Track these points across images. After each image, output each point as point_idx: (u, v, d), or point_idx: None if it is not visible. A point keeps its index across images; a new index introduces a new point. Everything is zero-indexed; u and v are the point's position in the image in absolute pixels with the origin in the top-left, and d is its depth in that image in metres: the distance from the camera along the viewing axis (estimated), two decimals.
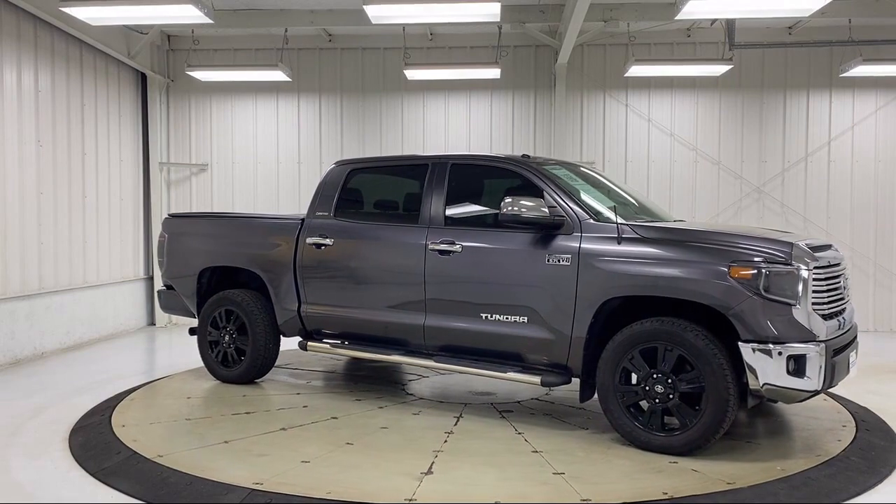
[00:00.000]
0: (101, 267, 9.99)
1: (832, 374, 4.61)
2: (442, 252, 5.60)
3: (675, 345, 4.67)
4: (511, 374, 5.36)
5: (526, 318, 5.24)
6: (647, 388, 4.79)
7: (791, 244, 4.68)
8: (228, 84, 11.13)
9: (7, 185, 8.11)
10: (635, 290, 4.86)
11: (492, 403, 6.14)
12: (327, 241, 6.23)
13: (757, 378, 4.49)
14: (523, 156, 5.86)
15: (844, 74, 10.03)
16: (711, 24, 10.24)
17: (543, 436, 5.19)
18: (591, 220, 5.14)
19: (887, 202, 10.66)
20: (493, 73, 10.13)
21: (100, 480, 4.46)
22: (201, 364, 7.04)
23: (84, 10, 7.58)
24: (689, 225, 5.65)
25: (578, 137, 10.92)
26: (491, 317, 5.40)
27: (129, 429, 5.33)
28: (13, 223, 8.21)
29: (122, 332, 10.39)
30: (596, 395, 5.10)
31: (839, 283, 5.06)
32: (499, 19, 8.12)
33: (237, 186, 11.33)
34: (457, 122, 11.09)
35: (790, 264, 4.56)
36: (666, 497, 4.06)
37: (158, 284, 7.84)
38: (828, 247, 5.12)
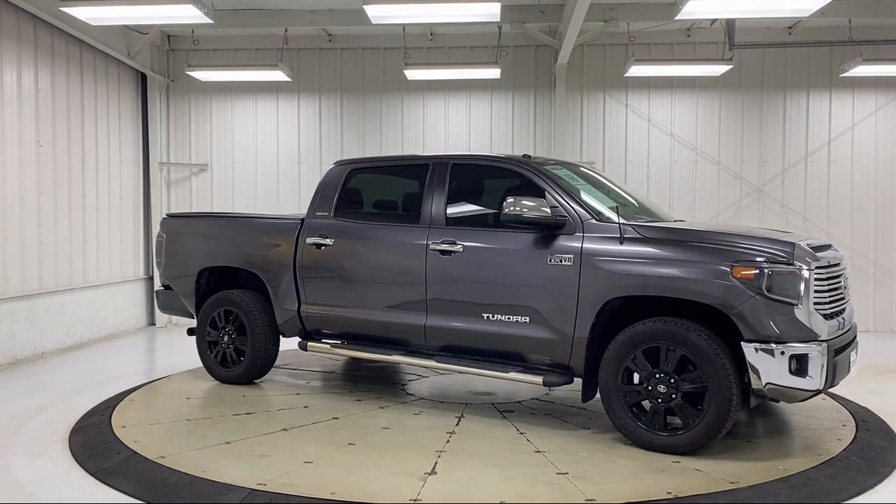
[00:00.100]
0: (101, 267, 9.98)
1: (834, 373, 4.64)
2: (443, 252, 5.60)
3: (677, 345, 4.68)
4: (513, 375, 5.36)
5: (528, 318, 5.24)
6: (650, 387, 4.79)
7: (793, 244, 4.69)
8: (228, 84, 11.12)
9: (7, 185, 8.10)
10: (638, 290, 4.86)
11: (492, 403, 6.13)
12: (327, 242, 6.22)
13: (759, 378, 4.50)
14: (524, 156, 5.86)
15: (844, 74, 10.03)
16: (711, 24, 10.24)
17: (545, 436, 5.19)
18: (593, 220, 5.14)
19: (887, 202, 10.67)
20: (493, 73, 10.13)
21: (100, 480, 4.46)
22: (201, 364, 7.03)
23: (84, 10, 7.57)
24: (691, 225, 5.65)
25: (578, 137, 10.92)
26: (492, 317, 5.39)
27: (129, 430, 5.32)
28: (13, 223, 8.20)
29: (122, 332, 10.39)
30: (598, 395, 5.12)
31: (840, 282, 5.08)
32: (499, 19, 8.11)
33: (237, 186, 11.32)
34: (457, 122, 11.08)
35: (792, 264, 4.57)
36: (670, 496, 4.07)
37: (158, 285, 7.83)
38: (828, 247, 5.13)
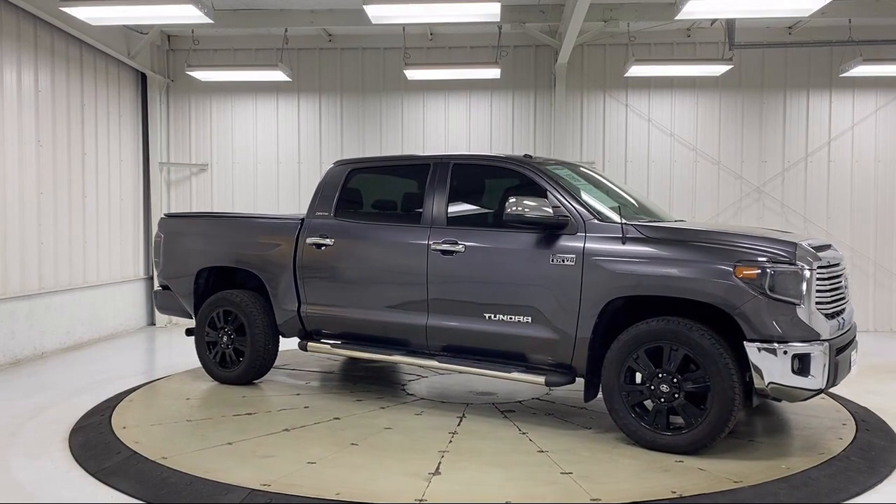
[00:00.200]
0: (101, 267, 9.97)
1: (835, 372, 4.66)
2: (445, 252, 5.60)
3: (680, 344, 4.68)
4: (515, 375, 5.36)
5: (530, 318, 5.24)
6: (653, 387, 4.79)
7: (795, 244, 4.70)
8: (228, 84, 11.11)
9: (7, 185, 8.09)
10: (640, 290, 4.87)
11: (493, 403, 6.13)
12: (328, 241, 6.21)
13: (762, 377, 4.51)
14: (525, 156, 5.86)
15: (844, 74, 10.04)
16: (711, 24, 10.25)
17: (548, 436, 5.19)
18: (595, 221, 5.14)
19: (887, 202, 10.67)
20: (493, 73, 10.13)
21: (100, 480, 4.45)
22: (200, 365, 7.01)
23: (84, 10, 7.56)
24: (692, 225, 5.66)
25: (578, 137, 10.92)
26: (494, 317, 5.39)
27: (130, 430, 5.31)
28: (13, 223, 8.19)
29: (122, 332, 10.37)
30: (599, 395, 5.12)
31: (840, 282, 5.10)
32: (499, 19, 8.11)
33: (237, 186, 11.31)
34: (457, 122, 11.08)
35: (794, 264, 4.58)
36: (675, 496, 4.07)
37: (157, 285, 7.82)
38: (828, 247, 5.15)
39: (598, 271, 4.96)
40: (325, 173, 6.65)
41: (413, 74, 10.25)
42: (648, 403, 4.88)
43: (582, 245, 5.06)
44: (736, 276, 4.56)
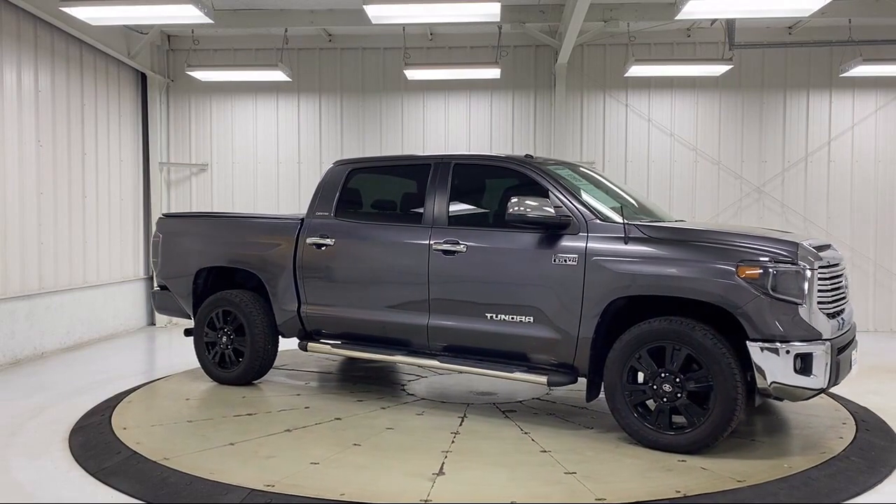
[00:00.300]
0: (101, 267, 9.96)
1: (837, 371, 4.67)
2: (446, 252, 5.59)
3: (683, 344, 4.68)
4: (517, 375, 5.35)
5: (532, 317, 5.23)
6: (655, 387, 4.79)
7: (796, 244, 4.71)
8: (228, 84, 11.10)
9: (7, 185, 8.08)
10: (643, 290, 4.87)
11: (494, 403, 6.13)
12: (328, 241, 6.20)
13: (765, 377, 4.52)
14: (526, 156, 5.86)
15: (844, 74, 10.04)
16: (711, 24, 10.25)
17: (550, 435, 5.18)
18: (597, 221, 5.14)
19: (887, 202, 10.68)
20: (493, 73, 10.13)
21: (100, 480, 4.45)
22: (199, 365, 7.00)
23: (84, 10, 7.55)
24: (693, 225, 5.66)
25: (578, 137, 10.92)
26: (496, 317, 5.39)
27: (131, 431, 5.30)
28: (13, 223, 8.18)
29: (122, 332, 10.36)
30: (600, 395, 5.12)
31: (841, 282, 5.12)
32: (499, 19, 8.11)
33: (237, 186, 11.31)
34: (457, 122, 11.08)
35: (796, 264, 4.59)
36: (680, 495, 4.07)
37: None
38: (827, 246, 5.16)
39: (601, 271, 4.96)
40: (325, 173, 6.64)
41: (413, 74, 10.25)
42: (651, 403, 4.88)
43: (584, 245, 5.06)
44: (738, 276, 4.56)
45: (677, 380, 4.72)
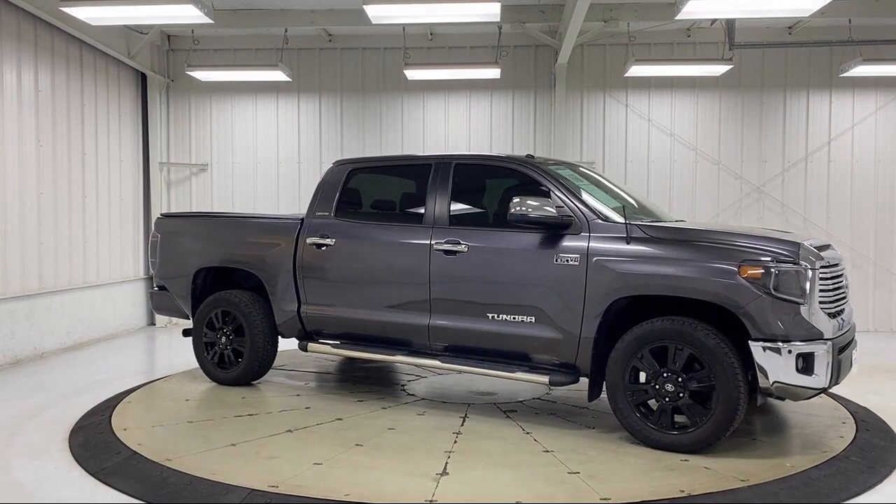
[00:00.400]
0: (101, 267, 9.95)
1: (838, 371, 4.68)
2: (447, 252, 5.59)
3: (685, 344, 4.69)
4: (519, 374, 5.35)
5: (534, 317, 5.23)
6: (657, 386, 4.79)
7: (798, 244, 4.72)
8: (228, 84, 11.09)
9: (7, 185, 8.07)
10: (645, 290, 4.87)
11: (495, 403, 6.12)
12: (328, 241, 6.19)
13: (767, 376, 4.53)
14: (527, 156, 5.86)
15: (844, 74, 10.05)
16: (711, 24, 10.25)
17: (552, 435, 5.18)
18: (599, 220, 5.14)
19: (887, 202, 10.68)
20: (493, 73, 10.13)
21: (100, 480, 4.44)
22: (198, 365, 6.99)
23: (84, 10, 7.55)
24: (695, 225, 5.67)
25: (578, 137, 10.92)
26: (497, 317, 5.38)
27: (131, 432, 5.28)
28: (13, 223, 8.17)
29: (122, 332, 10.35)
30: (602, 395, 5.12)
31: (841, 282, 5.13)
32: (499, 19, 8.10)
33: (237, 186, 11.30)
34: (457, 122, 11.08)
35: (798, 264, 4.59)
36: (683, 494, 4.07)
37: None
38: (827, 246, 5.17)
39: (603, 271, 4.96)
40: (325, 173, 6.63)
41: (413, 74, 10.24)
42: (653, 403, 4.88)
43: (586, 245, 5.06)
44: (740, 276, 4.57)
45: (679, 379, 4.72)
